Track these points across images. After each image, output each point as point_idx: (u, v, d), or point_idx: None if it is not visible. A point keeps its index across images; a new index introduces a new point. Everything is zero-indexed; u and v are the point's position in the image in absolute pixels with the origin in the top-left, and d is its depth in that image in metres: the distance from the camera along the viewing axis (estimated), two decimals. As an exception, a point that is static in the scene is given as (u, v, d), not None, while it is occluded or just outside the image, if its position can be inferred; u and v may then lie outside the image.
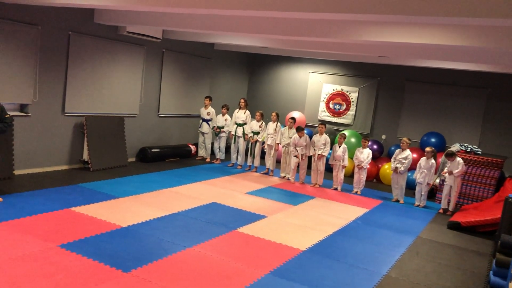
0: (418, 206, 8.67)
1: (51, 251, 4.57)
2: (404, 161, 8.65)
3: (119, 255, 4.66)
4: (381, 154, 11.01)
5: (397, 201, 8.86)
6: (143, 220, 5.87)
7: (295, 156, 9.28)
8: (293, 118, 9.75)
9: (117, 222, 5.65)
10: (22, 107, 7.47)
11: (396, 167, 8.69)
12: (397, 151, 8.84)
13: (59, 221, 5.44)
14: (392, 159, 8.90)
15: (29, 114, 7.43)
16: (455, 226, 7.33)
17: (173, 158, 10.34)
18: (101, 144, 8.48)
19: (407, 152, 8.69)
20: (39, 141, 7.67)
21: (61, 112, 7.96)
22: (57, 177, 7.52)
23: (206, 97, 10.54)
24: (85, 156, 8.26)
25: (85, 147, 8.23)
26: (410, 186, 9.41)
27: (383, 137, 11.39)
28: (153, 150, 9.79)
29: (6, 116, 5.89)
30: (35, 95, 7.45)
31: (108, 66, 8.68)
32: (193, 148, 10.81)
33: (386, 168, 10.31)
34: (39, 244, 4.70)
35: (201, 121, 10.58)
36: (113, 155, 8.72)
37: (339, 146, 9.18)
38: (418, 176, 8.61)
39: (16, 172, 7.23)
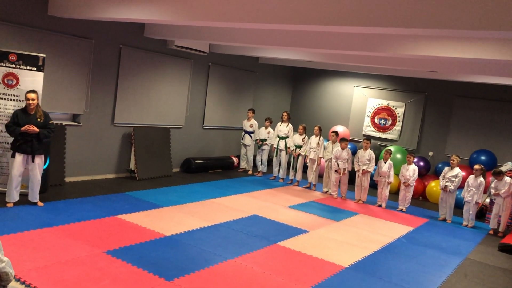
0: (466, 226, 8.34)
1: (97, 256, 4.70)
2: (454, 179, 8.36)
3: (162, 264, 4.74)
4: (428, 171, 10.69)
5: (444, 220, 8.56)
6: (186, 230, 5.95)
7: (336, 171, 9.15)
8: (335, 132, 9.65)
9: (161, 230, 5.76)
10: (74, 117, 7.79)
11: (446, 186, 8.41)
12: (446, 168, 8.56)
13: (106, 228, 5.60)
14: (440, 177, 8.63)
15: (81, 124, 7.74)
16: (507, 249, 7.00)
17: (216, 169, 10.45)
18: (148, 154, 8.70)
19: (457, 170, 8.40)
20: (89, 150, 7.96)
21: (111, 123, 8.24)
22: (105, 185, 7.77)
23: (249, 110, 10.64)
24: (132, 166, 8.49)
25: (132, 157, 8.47)
26: (458, 205, 9.08)
27: (430, 153, 11.08)
28: (197, 161, 9.94)
29: (50, 122, 6.13)
30: (87, 106, 7.76)
31: (156, 79, 8.93)
32: (235, 160, 10.90)
33: (433, 185, 10.01)
34: (87, 249, 4.85)
35: (243, 133, 10.67)
36: (158, 165, 8.92)
37: (385, 162, 8.99)
38: (466, 194, 8.30)
39: (67, 179, 7.53)
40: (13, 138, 5.98)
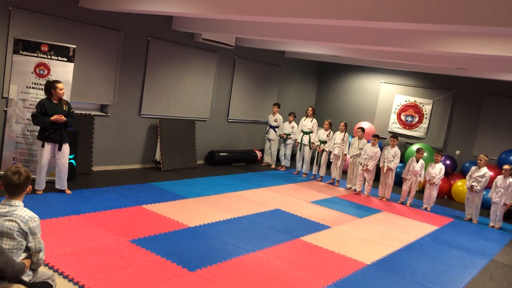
0: (493, 227, 8.18)
1: (122, 245, 4.80)
2: (480, 179, 8.19)
3: (185, 254, 4.81)
4: (454, 170, 10.50)
5: (470, 220, 8.41)
6: (209, 221, 6.01)
7: (363, 168, 9.07)
8: (361, 128, 9.56)
9: (185, 221, 5.84)
10: (102, 108, 7.93)
11: (472, 186, 8.25)
12: (473, 168, 8.40)
13: (131, 217, 5.71)
14: (467, 177, 8.46)
15: (108, 114, 7.88)
16: (534, 252, 6.84)
17: (239, 162, 10.50)
18: (173, 145, 8.80)
19: (484, 169, 8.23)
20: (116, 140, 8.10)
21: (138, 114, 8.36)
22: (130, 175, 7.90)
23: (274, 104, 10.63)
24: (157, 157, 8.61)
25: (158, 148, 8.58)
26: (485, 206, 8.90)
27: (457, 152, 10.87)
28: (221, 153, 10.01)
29: (72, 110, 6.24)
30: (115, 97, 7.89)
31: (182, 71, 9.01)
32: (259, 154, 10.92)
33: (459, 185, 9.83)
34: (112, 237, 4.95)
35: (268, 127, 10.68)
36: (183, 157, 9.02)
37: (417, 161, 8.84)
38: (494, 195, 8.13)
39: (94, 169, 7.68)
40: (39, 127, 6.10)
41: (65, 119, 6.03)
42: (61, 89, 6.04)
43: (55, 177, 6.28)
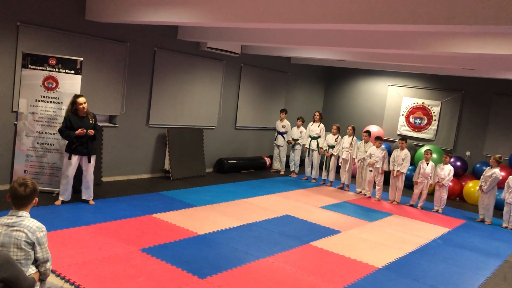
0: (506, 228, 8.08)
1: (133, 254, 4.82)
2: (488, 179, 8.12)
3: (196, 262, 4.81)
4: (465, 172, 10.41)
5: (482, 221, 8.32)
6: (219, 229, 6.02)
7: (370, 169, 9.03)
8: (367, 132, 9.52)
9: (195, 229, 5.85)
10: (111, 119, 8.00)
11: (481, 185, 8.18)
12: (487, 168, 8.29)
13: (141, 227, 5.73)
14: (482, 177, 8.37)
15: (117, 125, 7.94)
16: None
17: (248, 169, 10.51)
18: (181, 154, 8.84)
19: (494, 170, 8.14)
20: (125, 150, 8.16)
21: (146, 124, 8.42)
22: (140, 184, 7.94)
23: (281, 111, 10.65)
24: (166, 166, 8.65)
25: (167, 157, 8.62)
26: (498, 207, 8.80)
27: (467, 153, 10.78)
28: (229, 161, 10.03)
29: (96, 123, 6.41)
30: (123, 107, 7.95)
31: (189, 80, 9.07)
32: (267, 160, 10.93)
33: (470, 186, 9.74)
34: (123, 247, 4.98)
35: (276, 134, 10.68)
36: (192, 165, 9.06)
37: (427, 163, 8.78)
38: (506, 196, 8.03)
39: (104, 179, 7.74)
40: (67, 141, 6.23)
41: (92, 132, 6.18)
42: (80, 104, 6.15)
43: (82, 188, 6.42)
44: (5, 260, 2.47)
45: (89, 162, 6.30)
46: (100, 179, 7.57)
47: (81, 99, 6.16)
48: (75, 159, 6.21)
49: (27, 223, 2.81)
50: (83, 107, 6.17)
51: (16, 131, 6.53)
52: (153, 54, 8.30)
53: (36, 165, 6.60)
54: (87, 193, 6.43)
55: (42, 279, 2.97)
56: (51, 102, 6.54)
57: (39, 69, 6.44)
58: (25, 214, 2.85)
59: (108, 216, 5.97)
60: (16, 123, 6.55)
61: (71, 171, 6.22)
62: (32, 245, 2.80)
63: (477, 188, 8.47)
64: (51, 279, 3.12)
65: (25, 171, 6.55)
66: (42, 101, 6.52)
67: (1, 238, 2.75)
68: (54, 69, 6.52)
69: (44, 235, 2.86)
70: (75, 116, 6.17)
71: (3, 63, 6.34)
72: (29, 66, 6.39)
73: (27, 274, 2.78)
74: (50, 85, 6.53)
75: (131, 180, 8.18)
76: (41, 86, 6.48)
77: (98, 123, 7.54)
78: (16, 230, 2.77)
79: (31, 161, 6.57)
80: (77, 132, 6.07)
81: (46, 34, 6.71)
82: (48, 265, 2.93)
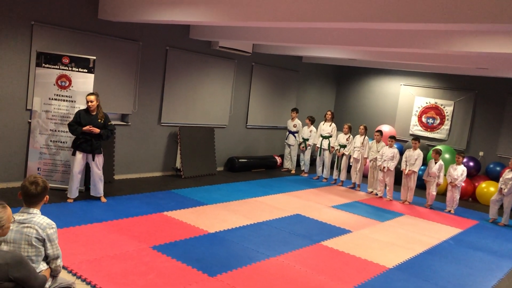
0: (520, 229, 7.99)
1: (144, 251, 4.86)
2: (509, 181, 7.99)
3: (206, 260, 4.84)
4: (478, 172, 10.30)
5: (495, 221, 8.22)
6: (230, 227, 6.03)
7: (380, 169, 8.98)
8: (379, 131, 9.47)
9: (205, 227, 5.87)
10: (123, 117, 8.06)
11: (501, 188, 8.06)
12: (507, 171, 8.16)
13: (152, 224, 5.77)
14: (501, 179, 8.25)
15: (129, 124, 8.00)
16: None
17: (259, 168, 10.52)
18: (193, 153, 8.88)
19: (512, 172, 8.03)
20: (137, 149, 8.22)
21: (158, 122, 8.47)
22: (151, 182, 8.00)
23: (292, 110, 10.63)
24: (178, 164, 8.69)
25: (178, 156, 8.67)
26: None
27: (481, 154, 10.67)
28: (240, 160, 10.04)
29: (109, 123, 6.44)
30: (135, 106, 8.01)
31: (201, 79, 9.10)
32: (278, 159, 10.92)
33: (483, 187, 9.64)
34: (134, 244, 5.02)
35: (287, 133, 10.68)
36: (203, 164, 9.09)
37: (435, 163, 8.72)
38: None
39: (116, 177, 7.80)
40: (74, 136, 6.30)
41: (97, 130, 6.20)
42: (88, 101, 6.21)
43: (90, 185, 6.48)
44: (18, 260, 2.51)
45: (93, 160, 6.32)
46: (112, 176, 7.64)
47: (89, 97, 6.21)
48: (79, 156, 6.24)
49: (38, 220, 2.85)
50: (90, 105, 6.20)
51: (30, 129, 6.62)
52: (165, 53, 8.34)
53: (49, 163, 6.68)
54: (94, 190, 6.46)
55: (54, 275, 3.01)
56: (64, 100, 6.61)
57: (53, 68, 6.52)
58: (36, 211, 2.89)
59: (119, 214, 6.02)
60: (30, 121, 6.63)
61: (76, 168, 6.25)
62: (42, 241, 2.84)
63: (491, 189, 8.36)
64: (63, 275, 3.17)
65: (38, 168, 6.63)
66: (55, 99, 6.60)
67: (12, 234, 2.79)
68: (67, 68, 6.59)
69: (54, 232, 2.89)
70: (85, 112, 6.24)
71: (17, 62, 6.43)
72: (43, 64, 6.47)
73: (38, 271, 2.82)
74: (63, 83, 6.60)
75: (142, 178, 8.23)
76: (54, 84, 6.56)
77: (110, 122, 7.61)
78: (27, 227, 2.81)
79: (44, 159, 6.66)
80: (85, 128, 6.12)
81: (60, 33, 6.78)
82: (59, 262, 2.97)
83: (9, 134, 6.52)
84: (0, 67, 6.26)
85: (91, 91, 6.49)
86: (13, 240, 2.79)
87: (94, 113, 6.28)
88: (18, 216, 2.84)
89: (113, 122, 7.64)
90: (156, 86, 8.32)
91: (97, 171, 6.39)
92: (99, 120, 6.29)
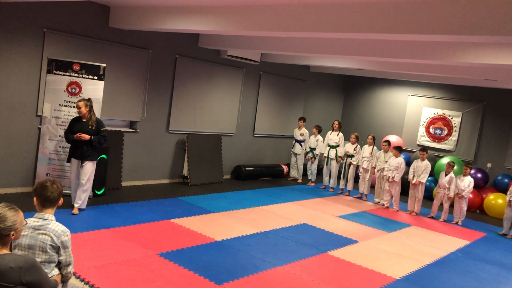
0: (528, 242, 7.91)
1: (151, 258, 4.87)
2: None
3: (212, 267, 4.84)
4: (486, 184, 10.24)
5: (504, 235, 8.16)
6: (236, 235, 6.04)
7: (387, 180, 8.95)
8: (387, 141, 9.46)
9: (212, 235, 5.88)
10: (132, 124, 8.12)
11: (510, 201, 8.00)
12: None
13: (159, 231, 5.79)
14: (508, 192, 8.20)
15: (137, 131, 8.05)
16: None
17: (265, 177, 10.52)
18: (200, 160, 8.91)
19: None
20: (145, 156, 8.26)
21: (166, 130, 8.52)
22: (159, 190, 8.02)
23: (300, 119, 10.65)
24: (185, 172, 8.72)
25: (185, 163, 8.70)
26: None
27: (489, 165, 10.61)
28: (247, 168, 10.06)
29: (102, 129, 6.24)
30: (144, 113, 8.07)
31: (209, 88, 9.15)
32: (285, 168, 10.93)
33: (491, 198, 9.58)
34: (141, 251, 5.03)
35: (294, 142, 10.69)
36: (210, 172, 9.11)
37: (446, 175, 8.68)
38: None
39: (124, 184, 7.84)
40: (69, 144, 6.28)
41: (86, 137, 6.03)
42: (77, 107, 6.08)
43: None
44: (31, 264, 2.53)
45: (81, 166, 6.15)
46: (120, 183, 7.67)
47: (78, 103, 6.07)
48: (75, 162, 6.19)
49: (53, 227, 2.87)
50: (78, 111, 6.09)
51: (40, 134, 6.68)
52: (174, 61, 8.41)
53: (58, 168, 6.73)
54: (73, 198, 6.17)
55: (64, 281, 3.03)
56: (74, 107, 6.66)
57: (63, 75, 6.59)
58: (50, 217, 2.91)
59: (127, 220, 6.04)
60: (40, 127, 6.70)
61: (73, 175, 6.22)
62: (57, 249, 2.86)
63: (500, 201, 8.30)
64: (72, 280, 3.18)
65: (47, 174, 6.68)
66: (65, 105, 6.66)
67: (27, 240, 2.81)
68: (77, 75, 6.66)
69: (68, 239, 2.91)
70: (77, 119, 6.17)
71: (29, 68, 6.51)
72: (54, 71, 6.54)
73: (50, 276, 2.83)
74: (73, 90, 6.67)
75: (150, 185, 8.26)
76: (64, 91, 6.63)
77: (119, 129, 7.67)
78: (42, 234, 2.83)
79: (53, 164, 6.71)
80: (75, 136, 6.03)
81: (71, 41, 6.86)
82: (70, 268, 2.99)
83: (19, 139, 6.58)
84: (12, 73, 6.35)
85: (100, 98, 6.53)
86: (27, 246, 2.81)
87: (85, 119, 6.14)
88: (33, 222, 2.86)
89: (121, 129, 7.73)
90: (164, 94, 8.38)
91: (84, 179, 6.11)
92: (90, 127, 6.11)
